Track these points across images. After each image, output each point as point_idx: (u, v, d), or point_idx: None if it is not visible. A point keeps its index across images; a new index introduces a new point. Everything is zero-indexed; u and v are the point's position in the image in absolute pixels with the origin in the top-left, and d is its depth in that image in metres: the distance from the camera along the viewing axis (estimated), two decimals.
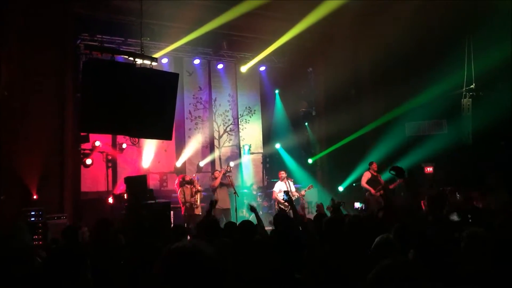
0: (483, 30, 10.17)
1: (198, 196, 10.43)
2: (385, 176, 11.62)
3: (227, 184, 10.72)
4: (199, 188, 10.56)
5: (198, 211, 10.31)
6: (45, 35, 9.74)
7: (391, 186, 10.83)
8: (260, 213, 12.07)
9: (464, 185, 9.76)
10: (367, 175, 11.20)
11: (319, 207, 9.72)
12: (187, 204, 10.26)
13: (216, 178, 10.78)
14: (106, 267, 3.93)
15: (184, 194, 10.35)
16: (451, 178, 11.16)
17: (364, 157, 12.33)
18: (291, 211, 10.65)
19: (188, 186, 10.43)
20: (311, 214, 11.36)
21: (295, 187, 11.42)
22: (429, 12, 10.82)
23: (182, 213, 10.27)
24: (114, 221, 8.75)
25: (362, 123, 13.07)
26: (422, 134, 12.55)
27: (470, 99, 10.78)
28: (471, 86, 10.77)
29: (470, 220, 5.58)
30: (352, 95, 13.38)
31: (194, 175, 11.42)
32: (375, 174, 11.25)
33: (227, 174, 10.85)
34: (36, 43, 9.62)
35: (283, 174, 11.15)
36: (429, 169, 12.26)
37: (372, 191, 10.92)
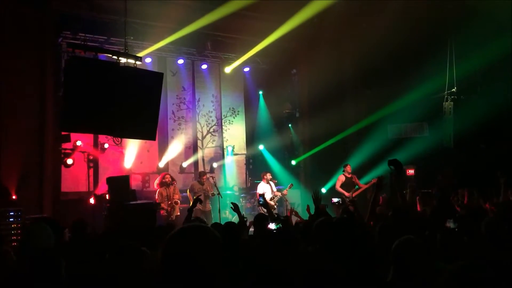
0: (464, 34, 10.33)
1: (175, 205, 10.37)
2: (368, 178, 11.76)
3: (204, 190, 10.79)
4: (176, 198, 10.42)
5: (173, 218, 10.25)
6: (26, 32, 9.57)
7: (348, 194, 11.02)
8: (243, 214, 12.08)
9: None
10: (341, 179, 11.36)
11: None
12: (165, 207, 10.19)
13: (202, 184, 10.83)
14: (84, 269, 3.86)
15: (162, 196, 10.28)
16: (431, 180, 11.28)
17: (347, 159, 12.41)
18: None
19: (167, 188, 10.34)
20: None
21: (277, 188, 11.49)
22: (411, 16, 10.91)
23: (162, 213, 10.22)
24: (95, 221, 8.69)
25: (345, 125, 13.15)
26: (404, 136, 12.67)
27: (452, 102, 10.91)
28: (452, 90, 10.91)
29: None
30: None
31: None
32: (349, 176, 11.38)
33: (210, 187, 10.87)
34: (16, 40, 9.43)
35: (268, 175, 11.22)
36: (411, 172, 12.38)
37: (346, 194, 11.06)
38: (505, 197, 7.05)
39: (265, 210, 10.60)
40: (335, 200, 10.50)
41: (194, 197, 10.64)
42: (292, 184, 11.43)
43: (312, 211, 6.51)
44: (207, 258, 1.69)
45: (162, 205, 10.18)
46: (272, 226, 5.11)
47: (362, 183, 11.60)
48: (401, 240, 3.07)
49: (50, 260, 2.90)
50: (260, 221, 5.44)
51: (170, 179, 10.49)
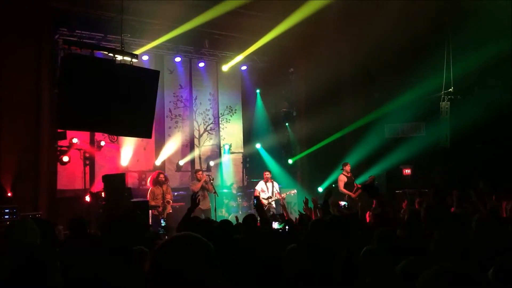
0: (462, 34, 10.34)
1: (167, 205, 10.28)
2: (363, 178, 11.75)
3: (207, 189, 10.73)
4: (169, 198, 10.33)
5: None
6: (21, 29, 9.52)
7: (354, 195, 10.80)
8: (240, 213, 12.09)
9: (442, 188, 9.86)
10: (342, 179, 11.13)
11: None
12: (156, 207, 10.12)
13: (199, 180, 10.74)
14: (78, 268, 3.81)
15: (154, 195, 10.20)
16: (428, 180, 11.29)
17: (343, 158, 12.39)
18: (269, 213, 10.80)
19: (160, 187, 10.27)
20: (291, 215, 11.36)
21: (279, 186, 11.45)
22: (409, 16, 10.92)
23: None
24: (90, 220, 8.65)
25: (342, 124, 13.13)
26: (401, 136, 12.68)
27: (449, 103, 10.92)
28: (449, 90, 10.92)
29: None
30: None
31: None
32: (349, 175, 11.24)
33: (208, 183, 10.78)
34: (11, 37, 9.39)
35: (268, 174, 11.20)
36: (407, 171, 12.40)
37: (352, 195, 10.84)
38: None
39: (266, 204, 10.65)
40: (342, 203, 10.32)
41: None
42: (295, 191, 11.40)
43: (310, 204, 6.47)
44: (196, 271, 1.65)
45: (153, 203, 10.10)
46: (275, 225, 5.10)
47: (358, 183, 11.51)
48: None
49: (39, 260, 2.80)
50: (250, 222, 5.40)
51: (163, 178, 10.44)
